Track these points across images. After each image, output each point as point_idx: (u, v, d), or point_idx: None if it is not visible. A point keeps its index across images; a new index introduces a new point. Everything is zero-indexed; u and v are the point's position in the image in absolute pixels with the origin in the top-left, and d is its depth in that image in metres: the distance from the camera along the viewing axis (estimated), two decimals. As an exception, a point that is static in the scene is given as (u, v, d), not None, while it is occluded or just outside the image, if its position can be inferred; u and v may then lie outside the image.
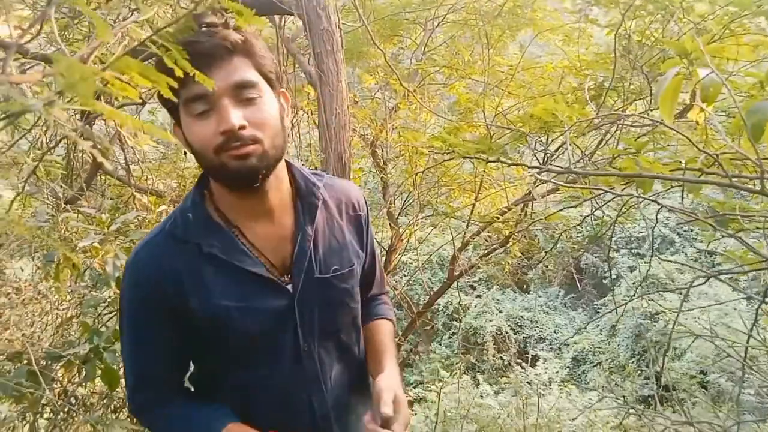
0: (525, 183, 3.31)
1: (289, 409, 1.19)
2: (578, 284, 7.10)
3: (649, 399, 9.30)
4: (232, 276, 1.12)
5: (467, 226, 3.27)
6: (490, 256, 3.84)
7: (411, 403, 9.14)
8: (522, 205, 3.24)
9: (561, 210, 2.62)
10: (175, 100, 0.91)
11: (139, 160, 3.80)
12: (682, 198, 1.33)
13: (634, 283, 11.73)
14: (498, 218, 3.17)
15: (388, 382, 1.19)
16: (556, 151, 2.66)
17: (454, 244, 3.53)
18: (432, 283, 12.15)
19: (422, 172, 3.30)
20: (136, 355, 1.19)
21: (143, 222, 1.90)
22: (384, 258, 3.85)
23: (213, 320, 1.11)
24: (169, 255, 1.12)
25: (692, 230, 11.80)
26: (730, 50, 2.04)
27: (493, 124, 2.42)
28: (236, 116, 1.02)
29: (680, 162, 1.25)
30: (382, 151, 3.66)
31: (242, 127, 1.02)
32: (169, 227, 1.16)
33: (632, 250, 12.44)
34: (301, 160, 3.54)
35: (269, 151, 1.06)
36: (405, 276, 13.19)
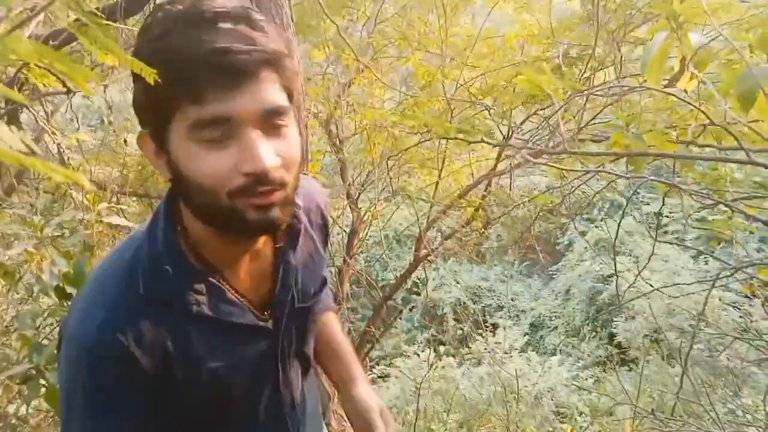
0: (490, 158, 3.23)
1: None
2: (538, 254, 7.23)
3: (605, 359, 9.61)
4: (219, 333, 0.92)
5: (431, 207, 3.17)
6: (454, 235, 3.77)
7: (373, 381, 9.15)
8: (486, 182, 3.16)
9: (546, 191, 2.56)
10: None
11: (75, 147, 3.50)
12: (674, 173, 1.26)
13: (585, 248, 12.02)
14: (462, 199, 3.08)
15: (368, 398, 1.08)
16: (521, 124, 2.59)
17: (419, 224, 3.44)
18: (389, 258, 12.11)
19: (396, 155, 3.13)
20: None
21: (81, 223, 1.71)
22: (346, 241, 3.71)
23: (197, 386, 0.91)
24: (148, 321, 0.85)
25: (639, 194, 12.16)
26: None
27: (456, 98, 2.31)
28: (269, 155, 0.79)
29: (670, 133, 1.18)
30: (337, 129, 3.50)
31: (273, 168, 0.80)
32: (144, 287, 0.86)
33: (583, 216, 12.75)
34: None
35: (291, 195, 0.85)
36: (362, 252, 13.14)
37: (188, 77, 0.75)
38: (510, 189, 3.32)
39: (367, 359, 4.42)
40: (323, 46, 3.78)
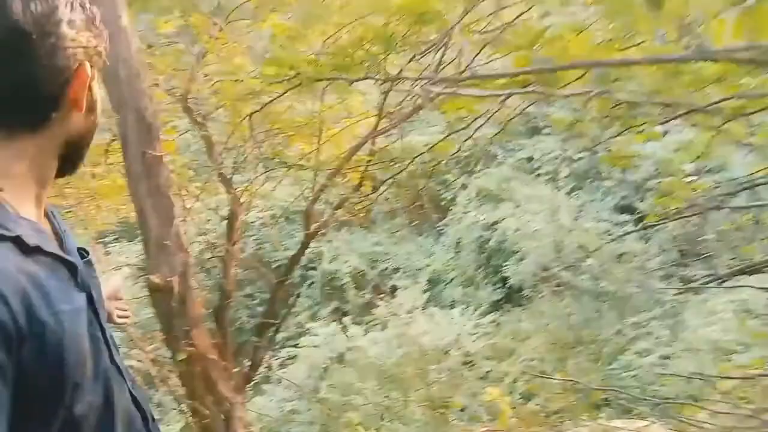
0: (370, 115, 2.99)
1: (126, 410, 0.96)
2: (425, 213, 7.27)
3: (499, 302, 9.98)
4: (56, 273, 0.85)
5: (315, 175, 2.91)
6: (345, 203, 3.54)
7: (281, 365, 8.85)
8: (371, 142, 2.95)
9: (449, 135, 2.38)
10: None
11: None
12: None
13: (468, 200, 12.35)
14: (347, 163, 2.84)
15: None
16: (409, 62, 2.38)
17: (305, 197, 3.16)
18: (281, 237, 11.74)
19: (260, 111, 2.77)
20: None
21: None
22: (227, 227, 3.33)
23: (60, 333, 0.80)
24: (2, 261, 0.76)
25: (510, 142, 12.68)
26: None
27: (324, 53, 2.05)
28: None
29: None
30: (198, 105, 3.10)
31: None
32: None
33: (462, 169, 13.11)
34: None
35: None
36: (251, 236, 12.59)
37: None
38: (401, 139, 3.13)
39: (271, 345, 4.09)
40: (168, 13, 3.31)
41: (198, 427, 2.66)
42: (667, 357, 6.89)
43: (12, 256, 0.78)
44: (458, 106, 1.76)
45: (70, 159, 0.95)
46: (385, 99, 2.55)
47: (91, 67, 0.91)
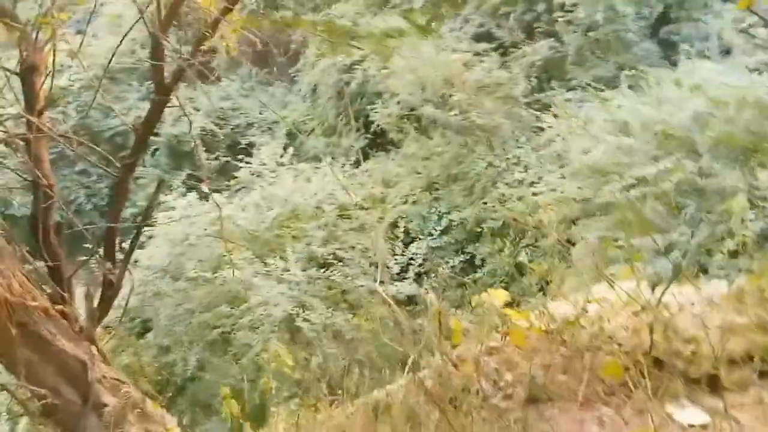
0: None
1: None
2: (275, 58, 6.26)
3: (366, 149, 9.53)
4: None
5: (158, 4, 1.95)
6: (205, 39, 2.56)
7: (141, 247, 7.78)
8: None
9: None
10: None
11: None
12: None
13: (321, 41, 11.24)
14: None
15: None
16: None
17: (149, 29, 2.16)
18: (106, 99, 9.96)
19: None
20: None
21: None
22: (24, 90, 2.23)
23: None
24: None
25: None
26: None
27: None
28: None
29: None
30: None
31: None
32: None
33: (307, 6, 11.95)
34: None
35: None
36: (70, 103, 10.69)
37: None
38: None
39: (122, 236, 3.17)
40: None
41: (46, 420, 1.78)
42: (534, 183, 7.00)
43: None
44: None
45: None
46: None
47: None
